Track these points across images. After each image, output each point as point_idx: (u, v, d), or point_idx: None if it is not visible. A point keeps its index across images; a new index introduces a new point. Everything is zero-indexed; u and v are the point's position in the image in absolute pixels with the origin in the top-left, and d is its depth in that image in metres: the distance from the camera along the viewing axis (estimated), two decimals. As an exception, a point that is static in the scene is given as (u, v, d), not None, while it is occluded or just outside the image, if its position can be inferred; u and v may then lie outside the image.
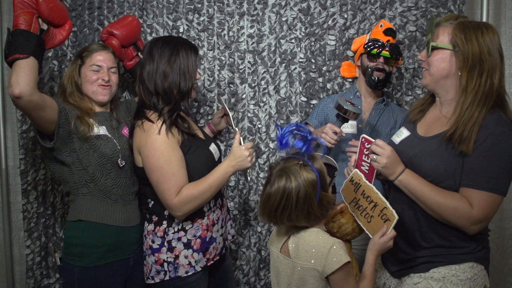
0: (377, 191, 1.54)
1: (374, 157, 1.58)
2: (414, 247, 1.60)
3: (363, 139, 1.66)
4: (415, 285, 1.59)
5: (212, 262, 1.87)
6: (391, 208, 1.49)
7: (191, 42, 1.89)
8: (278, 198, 1.41)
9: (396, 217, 1.46)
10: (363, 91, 2.23)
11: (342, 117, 1.87)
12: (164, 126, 1.73)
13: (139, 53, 2.16)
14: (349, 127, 2.13)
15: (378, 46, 2.13)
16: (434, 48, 1.56)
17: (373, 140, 1.62)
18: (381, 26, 2.18)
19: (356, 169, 1.63)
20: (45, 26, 1.70)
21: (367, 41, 2.18)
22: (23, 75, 1.58)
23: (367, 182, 1.57)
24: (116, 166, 1.84)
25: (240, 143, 1.81)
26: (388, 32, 2.15)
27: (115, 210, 1.84)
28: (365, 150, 1.64)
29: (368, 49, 2.14)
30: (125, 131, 1.94)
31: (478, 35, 1.48)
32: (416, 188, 1.53)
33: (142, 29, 2.32)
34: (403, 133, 1.70)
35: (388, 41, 2.14)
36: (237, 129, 1.85)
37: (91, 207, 1.81)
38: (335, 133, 1.94)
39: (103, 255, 1.80)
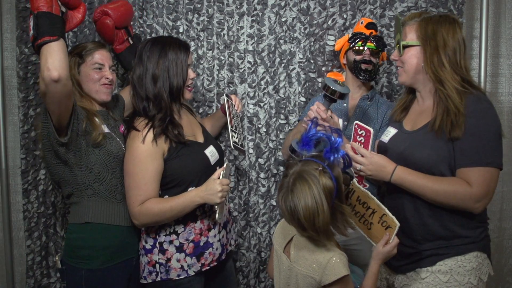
0: (373, 196, 1.52)
1: (358, 167, 1.61)
2: (418, 241, 1.62)
3: (356, 126, 1.69)
4: (422, 280, 1.61)
5: (207, 267, 1.85)
6: (390, 215, 1.48)
7: (181, 40, 1.89)
8: (305, 206, 1.35)
9: (398, 224, 1.45)
10: (350, 89, 2.22)
11: (329, 97, 1.81)
12: (150, 135, 1.74)
13: (130, 38, 2.12)
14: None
15: (363, 39, 2.13)
16: (405, 47, 1.65)
17: (366, 127, 1.65)
18: (361, 23, 2.20)
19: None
20: (63, 9, 1.64)
21: (350, 36, 2.19)
22: (58, 58, 1.53)
23: (360, 187, 1.55)
24: (120, 164, 1.83)
25: (220, 177, 1.73)
26: (369, 25, 2.18)
27: (120, 210, 1.82)
28: (358, 137, 1.67)
29: (353, 42, 2.15)
30: (122, 129, 1.93)
31: (437, 28, 1.58)
32: (412, 182, 1.57)
33: (142, 29, 2.33)
34: (390, 132, 1.75)
35: (371, 33, 2.15)
36: (225, 164, 1.79)
37: (98, 209, 1.78)
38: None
39: (111, 256, 1.78)
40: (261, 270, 2.44)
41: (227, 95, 2.10)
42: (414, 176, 1.57)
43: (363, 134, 1.66)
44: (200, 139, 1.93)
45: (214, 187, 1.70)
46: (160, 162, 1.76)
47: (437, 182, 1.54)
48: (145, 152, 1.73)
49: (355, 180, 1.58)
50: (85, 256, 1.75)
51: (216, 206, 1.74)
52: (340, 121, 2.16)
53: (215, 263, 1.88)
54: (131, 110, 2.00)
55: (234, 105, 2.12)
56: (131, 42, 2.12)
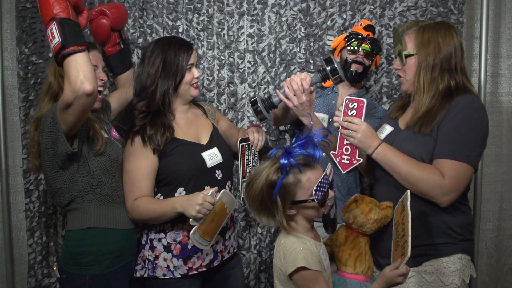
0: (410, 220, 1.43)
1: (350, 132, 1.65)
2: None
3: (347, 101, 1.70)
4: (408, 280, 1.65)
5: (195, 272, 1.83)
6: (410, 244, 1.40)
7: (184, 40, 1.91)
8: (251, 175, 1.50)
9: (408, 255, 1.38)
10: (340, 87, 2.25)
11: (325, 72, 1.77)
12: (139, 135, 1.79)
13: (121, 42, 2.11)
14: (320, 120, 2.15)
15: (359, 39, 2.15)
16: (407, 56, 1.68)
17: (358, 98, 1.67)
18: (361, 24, 2.22)
19: (409, 190, 1.54)
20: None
21: (347, 35, 2.20)
22: (89, 69, 1.48)
23: (409, 207, 1.46)
24: (119, 167, 1.83)
25: (210, 194, 1.67)
26: (368, 28, 2.19)
27: (121, 213, 1.81)
28: (349, 111, 1.69)
29: (349, 42, 2.16)
30: (114, 133, 1.92)
31: (433, 36, 1.62)
32: (391, 159, 1.62)
33: (142, 29, 2.32)
34: (386, 129, 1.80)
35: (368, 35, 2.17)
36: (222, 191, 1.72)
37: (99, 213, 1.75)
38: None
39: (114, 260, 1.76)
40: (261, 270, 2.44)
41: (242, 140, 2.00)
42: (394, 154, 1.62)
43: (355, 107, 1.68)
44: (204, 141, 1.91)
45: (195, 198, 1.64)
46: (154, 160, 1.79)
47: (414, 165, 1.59)
48: (139, 150, 1.79)
49: (409, 201, 1.48)
50: (88, 262, 1.72)
51: (190, 220, 1.65)
52: (326, 117, 2.19)
53: (204, 269, 1.85)
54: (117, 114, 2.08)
55: (252, 146, 2.02)
56: (122, 46, 2.10)
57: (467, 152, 1.55)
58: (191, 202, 1.63)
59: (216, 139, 1.96)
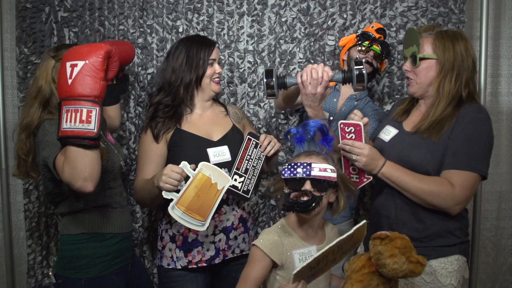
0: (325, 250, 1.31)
1: (354, 157, 1.64)
2: None
3: (341, 125, 1.66)
4: (407, 280, 1.65)
5: (194, 266, 1.85)
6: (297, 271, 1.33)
7: (206, 38, 2.01)
8: None
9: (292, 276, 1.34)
10: (342, 86, 2.19)
11: (350, 74, 1.71)
12: (149, 125, 1.92)
13: (114, 79, 2.02)
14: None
15: (371, 40, 2.15)
16: (421, 59, 1.67)
17: (353, 122, 1.64)
18: (372, 27, 2.22)
19: (365, 221, 1.39)
20: None
21: (360, 34, 2.20)
22: (97, 169, 1.45)
23: (334, 243, 1.32)
24: (118, 173, 1.83)
25: (189, 173, 1.66)
26: (379, 31, 2.20)
27: (116, 217, 1.80)
28: (347, 135, 1.67)
29: (360, 41, 2.16)
30: (110, 137, 1.91)
31: (454, 44, 1.63)
32: (399, 178, 1.62)
33: (142, 29, 2.32)
34: (391, 131, 1.79)
35: (379, 37, 2.17)
36: (201, 163, 1.69)
37: (93, 220, 1.73)
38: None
39: (109, 263, 1.75)
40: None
41: (251, 134, 1.88)
42: (401, 172, 1.62)
43: (352, 131, 1.65)
44: (215, 138, 1.92)
45: (164, 169, 1.66)
46: (160, 147, 1.89)
47: (422, 180, 1.59)
48: (148, 138, 1.91)
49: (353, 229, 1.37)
50: (83, 265, 1.70)
51: (163, 192, 1.63)
52: (327, 114, 2.19)
53: (204, 264, 1.86)
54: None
55: (260, 146, 1.86)
56: (115, 82, 2.04)
57: (478, 162, 1.58)
58: (160, 173, 1.67)
59: (230, 138, 1.95)
